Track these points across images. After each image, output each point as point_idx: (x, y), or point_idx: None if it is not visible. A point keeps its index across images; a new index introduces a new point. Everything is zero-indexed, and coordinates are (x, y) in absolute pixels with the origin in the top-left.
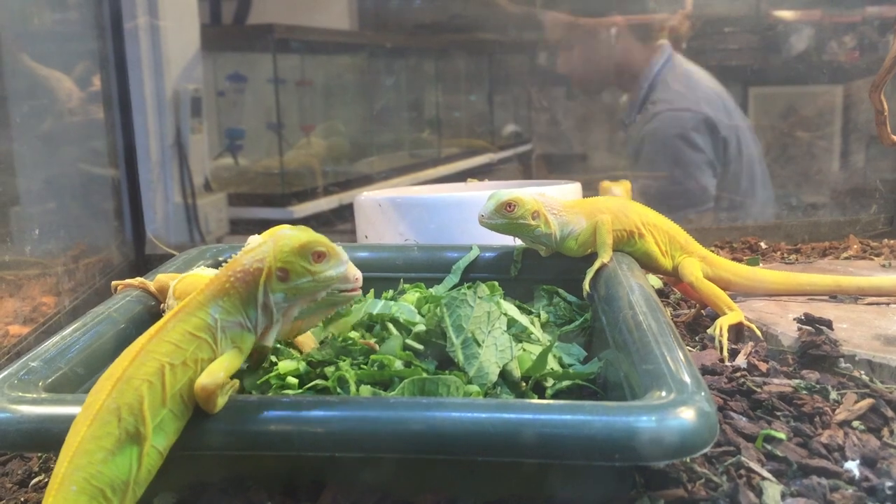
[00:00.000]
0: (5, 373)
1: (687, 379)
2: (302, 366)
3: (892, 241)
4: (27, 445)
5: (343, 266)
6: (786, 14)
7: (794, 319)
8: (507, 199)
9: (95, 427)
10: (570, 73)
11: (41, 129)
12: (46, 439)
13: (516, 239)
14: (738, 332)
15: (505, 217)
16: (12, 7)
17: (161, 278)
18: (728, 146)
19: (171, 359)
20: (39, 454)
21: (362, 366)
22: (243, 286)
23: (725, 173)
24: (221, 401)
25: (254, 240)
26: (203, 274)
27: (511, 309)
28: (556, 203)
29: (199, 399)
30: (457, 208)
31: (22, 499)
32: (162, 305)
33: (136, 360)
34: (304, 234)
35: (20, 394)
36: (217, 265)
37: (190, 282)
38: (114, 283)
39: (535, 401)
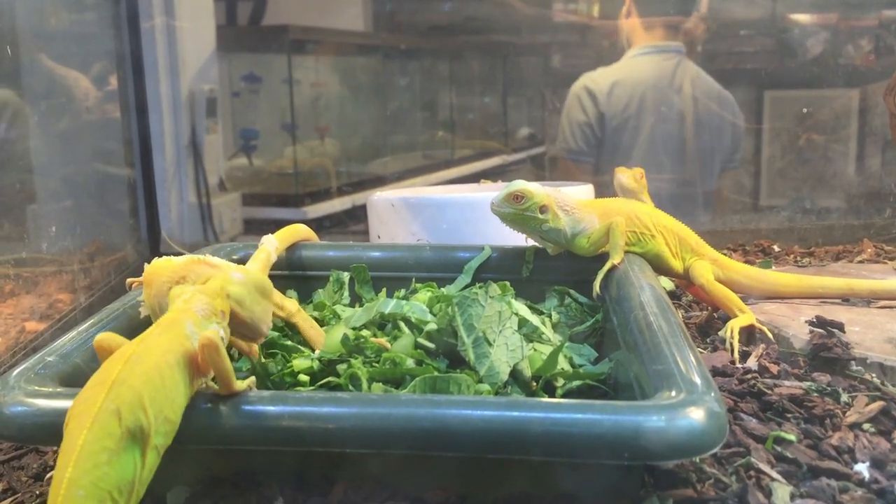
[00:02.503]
0: (22, 367)
1: (697, 379)
2: (315, 364)
3: None
4: (43, 439)
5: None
6: (802, 17)
7: (806, 322)
8: (515, 190)
9: (96, 429)
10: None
11: (58, 128)
12: (62, 433)
13: (528, 239)
14: (749, 334)
15: (512, 207)
16: (30, 7)
17: None
18: (605, 126)
19: (166, 358)
20: (55, 448)
21: (374, 364)
22: (201, 314)
23: (604, 152)
24: (241, 384)
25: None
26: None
27: (522, 309)
28: (569, 200)
29: (207, 353)
30: (469, 209)
31: (38, 492)
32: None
33: (129, 363)
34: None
35: (36, 388)
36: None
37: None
38: (129, 280)
39: (545, 399)
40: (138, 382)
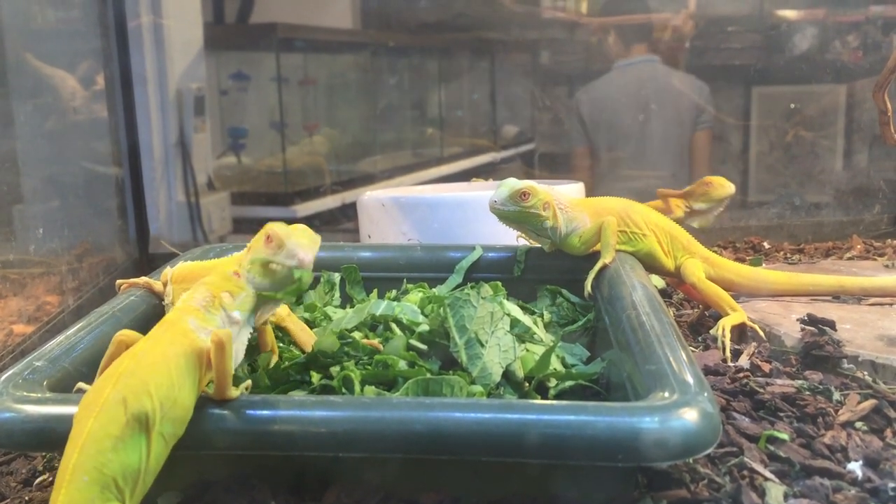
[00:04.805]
0: (10, 372)
1: (690, 379)
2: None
3: (895, 242)
4: (32, 445)
5: None
6: (789, 13)
7: (798, 320)
8: (523, 187)
9: (102, 417)
10: None
11: (45, 128)
12: (51, 438)
13: (518, 238)
14: (740, 332)
15: (518, 205)
16: (17, 5)
17: (168, 273)
18: (586, 123)
19: (173, 349)
20: (44, 453)
21: (367, 366)
22: (202, 306)
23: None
24: (235, 391)
25: None
26: (198, 262)
27: (514, 309)
28: (563, 198)
29: (213, 350)
30: (460, 208)
31: (26, 497)
32: (165, 301)
33: (136, 357)
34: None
35: (25, 393)
36: None
37: (189, 269)
38: (118, 282)
39: (539, 401)
40: (144, 372)
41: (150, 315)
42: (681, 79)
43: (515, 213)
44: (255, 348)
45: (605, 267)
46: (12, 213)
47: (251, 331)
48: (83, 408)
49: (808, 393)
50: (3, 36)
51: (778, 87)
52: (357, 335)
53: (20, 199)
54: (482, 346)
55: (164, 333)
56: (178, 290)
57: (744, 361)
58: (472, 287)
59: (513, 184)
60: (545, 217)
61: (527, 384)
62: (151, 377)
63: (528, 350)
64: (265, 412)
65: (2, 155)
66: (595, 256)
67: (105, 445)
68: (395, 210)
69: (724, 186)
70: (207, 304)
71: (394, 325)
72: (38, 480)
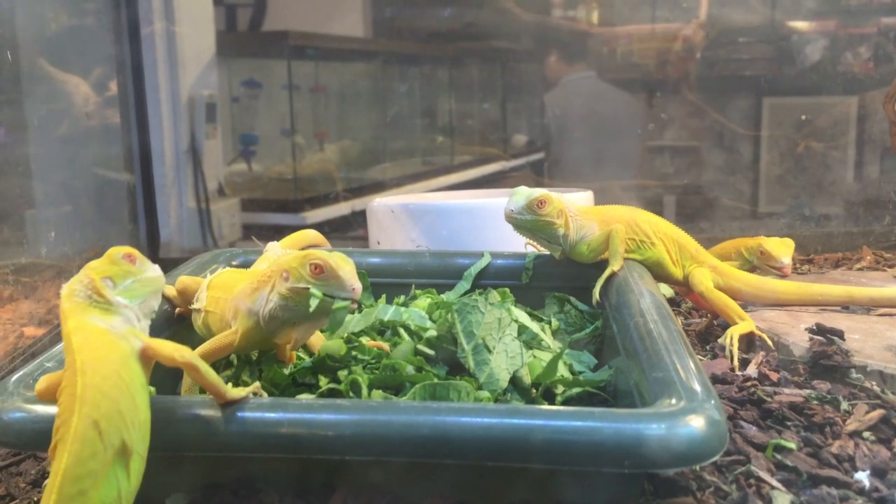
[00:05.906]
0: (21, 373)
1: (697, 387)
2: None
3: None
4: (42, 445)
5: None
6: (800, 24)
7: (806, 329)
8: (540, 196)
9: (77, 450)
10: None
11: (58, 133)
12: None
13: (527, 245)
14: (749, 341)
15: (535, 214)
16: (31, 12)
17: (183, 280)
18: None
19: (115, 357)
20: None
21: (374, 370)
22: (85, 298)
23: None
24: (238, 392)
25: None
26: (239, 270)
27: (522, 316)
28: (572, 206)
29: (189, 371)
30: (468, 215)
31: (35, 498)
32: (178, 308)
33: (86, 372)
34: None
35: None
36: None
37: (227, 276)
38: None
39: (545, 407)
40: (110, 388)
41: (159, 319)
42: (621, 95)
43: (531, 222)
44: (261, 352)
45: (613, 275)
46: (25, 217)
47: (152, 313)
48: (57, 429)
49: (815, 402)
50: (18, 42)
51: (789, 98)
52: (364, 339)
53: (33, 203)
54: (489, 351)
55: (87, 340)
56: (212, 297)
57: (752, 370)
58: (480, 293)
59: (528, 192)
60: (559, 225)
61: (534, 391)
62: (121, 400)
63: (535, 357)
64: (273, 415)
65: (15, 159)
66: (603, 264)
67: (85, 485)
68: (405, 217)
69: (776, 259)
70: (90, 293)
71: (402, 331)
72: (46, 482)
